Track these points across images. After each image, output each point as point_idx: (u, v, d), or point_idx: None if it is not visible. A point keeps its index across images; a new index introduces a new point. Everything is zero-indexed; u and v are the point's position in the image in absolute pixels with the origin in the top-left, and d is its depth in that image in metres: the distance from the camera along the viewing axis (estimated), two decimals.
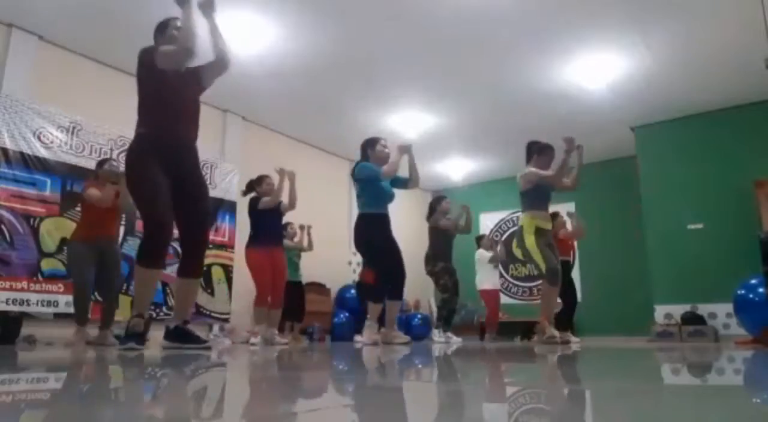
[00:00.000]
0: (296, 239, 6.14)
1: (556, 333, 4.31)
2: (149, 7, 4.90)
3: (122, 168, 3.47)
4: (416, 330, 7.98)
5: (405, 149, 4.22)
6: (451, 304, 5.99)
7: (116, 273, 4.27)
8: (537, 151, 4.55)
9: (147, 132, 2.86)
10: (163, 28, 3.02)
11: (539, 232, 4.34)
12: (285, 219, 5.41)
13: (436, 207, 6.07)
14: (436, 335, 5.87)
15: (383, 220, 4.16)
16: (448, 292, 5.86)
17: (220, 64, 3.08)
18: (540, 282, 4.56)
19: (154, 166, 2.78)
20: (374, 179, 4.13)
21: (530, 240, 4.31)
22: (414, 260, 5.86)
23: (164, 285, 6.12)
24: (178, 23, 2.92)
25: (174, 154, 2.87)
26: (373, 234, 4.12)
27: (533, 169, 4.46)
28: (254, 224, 5.04)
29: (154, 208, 2.76)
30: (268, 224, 4.96)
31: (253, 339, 4.86)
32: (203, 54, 2.98)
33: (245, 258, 5.04)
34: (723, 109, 7.01)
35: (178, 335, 2.92)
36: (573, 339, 5.15)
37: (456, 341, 5.74)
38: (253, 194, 5.12)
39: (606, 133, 7.84)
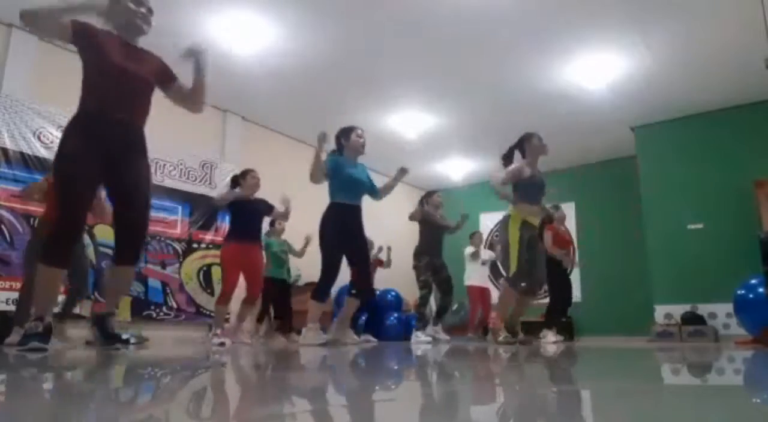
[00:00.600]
0: (296, 246, 6.10)
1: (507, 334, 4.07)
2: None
3: None
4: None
5: (404, 172, 4.19)
6: (445, 302, 5.84)
7: (79, 264, 4.06)
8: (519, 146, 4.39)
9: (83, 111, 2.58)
10: None
11: (526, 226, 4.03)
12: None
13: (426, 201, 5.93)
14: (420, 336, 5.56)
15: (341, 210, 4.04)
16: (426, 288, 5.68)
17: (192, 103, 2.94)
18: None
19: (83, 151, 2.49)
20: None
21: (514, 232, 4.01)
22: (411, 259, 5.85)
23: (164, 285, 6.13)
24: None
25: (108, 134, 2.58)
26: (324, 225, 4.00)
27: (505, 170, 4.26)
28: (231, 219, 4.88)
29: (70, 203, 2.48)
30: (245, 220, 4.79)
31: (216, 340, 4.65)
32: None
33: (221, 257, 4.83)
34: (723, 109, 7.01)
35: (101, 329, 2.76)
36: (551, 338, 5.05)
37: (445, 339, 5.60)
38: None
39: (606, 133, 7.84)
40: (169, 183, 6.38)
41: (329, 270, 3.92)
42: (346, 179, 4.04)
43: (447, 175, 9.74)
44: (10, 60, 5.20)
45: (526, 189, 4.14)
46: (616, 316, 8.17)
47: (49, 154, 5.30)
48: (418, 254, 5.76)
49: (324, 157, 4.02)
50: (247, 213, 4.80)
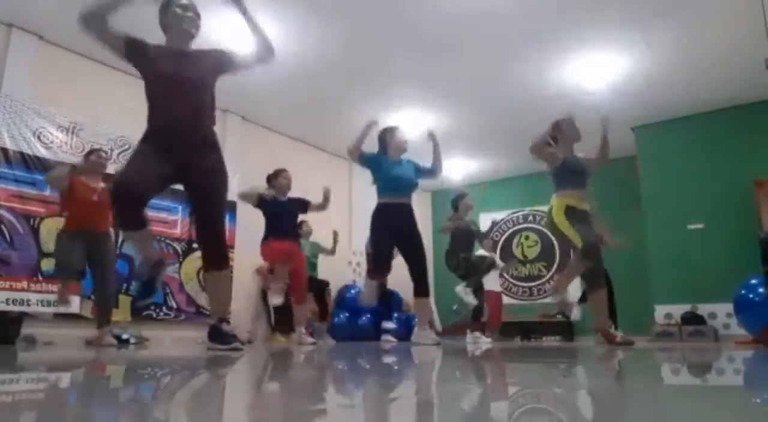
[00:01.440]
0: (324, 243, 6.16)
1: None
2: (150, 6, 4.90)
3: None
4: None
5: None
6: (478, 306, 5.93)
7: (106, 271, 4.15)
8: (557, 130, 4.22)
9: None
10: (165, 8, 2.85)
11: (570, 210, 3.88)
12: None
13: (458, 203, 5.90)
14: (478, 335, 5.67)
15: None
16: (471, 277, 5.81)
17: (260, 57, 3.00)
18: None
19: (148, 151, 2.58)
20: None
21: (559, 217, 3.86)
22: None
23: (164, 284, 6.13)
24: (183, 1, 2.80)
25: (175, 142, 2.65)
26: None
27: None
28: (266, 220, 4.86)
29: (125, 173, 2.54)
30: (279, 220, 4.80)
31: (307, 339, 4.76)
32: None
33: (262, 256, 4.89)
34: (723, 109, 7.01)
35: (215, 334, 2.79)
36: (619, 332, 4.75)
37: (485, 341, 5.59)
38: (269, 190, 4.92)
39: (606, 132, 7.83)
40: None
41: (378, 259, 4.14)
42: (390, 178, 4.12)
43: (447, 174, 9.73)
44: (10, 60, 5.19)
45: (567, 175, 4.01)
46: (616, 316, 8.16)
47: (49, 154, 5.30)
48: (452, 255, 5.81)
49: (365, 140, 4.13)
50: (279, 214, 4.81)
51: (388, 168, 4.14)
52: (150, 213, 5.88)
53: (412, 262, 4.13)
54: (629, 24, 5.33)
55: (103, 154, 4.37)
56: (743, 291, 5.37)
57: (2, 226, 4.86)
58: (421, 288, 4.09)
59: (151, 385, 1.23)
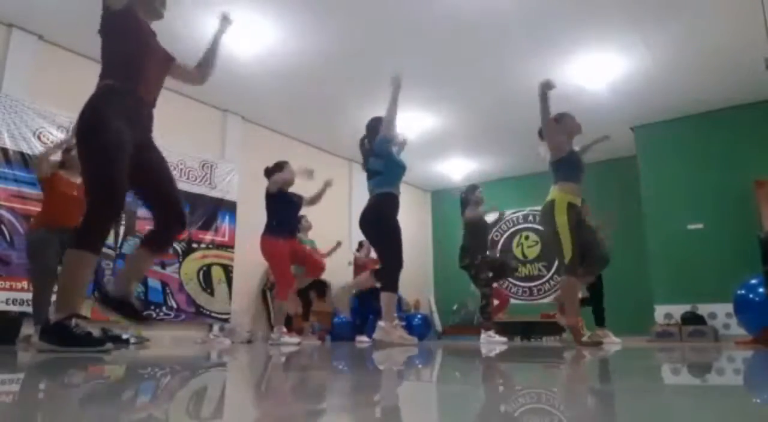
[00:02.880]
0: (322, 249, 6.16)
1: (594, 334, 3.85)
2: None
3: None
4: (416, 330, 7.97)
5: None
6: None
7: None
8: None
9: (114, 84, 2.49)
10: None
11: (571, 208, 3.70)
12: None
13: (470, 197, 5.75)
14: (492, 336, 5.35)
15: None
16: (488, 287, 5.51)
17: (198, 76, 2.90)
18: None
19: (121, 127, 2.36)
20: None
21: (562, 219, 3.64)
22: (414, 259, 5.86)
23: (164, 285, 6.13)
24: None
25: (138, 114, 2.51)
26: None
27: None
28: (272, 213, 4.82)
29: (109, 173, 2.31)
30: (289, 213, 4.80)
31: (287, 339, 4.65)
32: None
33: (261, 248, 4.80)
34: (723, 109, 7.01)
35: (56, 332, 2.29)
36: (615, 339, 4.77)
37: (500, 340, 5.31)
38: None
39: (606, 132, 7.83)
40: None
41: (399, 261, 3.81)
42: (401, 171, 4.01)
43: (447, 175, 9.74)
44: (10, 60, 5.20)
45: (569, 167, 3.83)
46: (616, 316, 8.16)
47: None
48: (471, 252, 5.56)
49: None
50: (288, 206, 4.80)
51: (399, 160, 4.00)
52: (149, 213, 5.98)
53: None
54: (629, 24, 5.33)
55: None
56: (743, 291, 5.36)
57: (2, 226, 4.86)
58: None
59: (151, 385, 1.23)
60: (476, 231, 5.65)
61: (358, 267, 6.72)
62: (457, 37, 5.55)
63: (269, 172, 4.92)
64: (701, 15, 5.19)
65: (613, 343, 4.47)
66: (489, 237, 5.87)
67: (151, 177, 2.52)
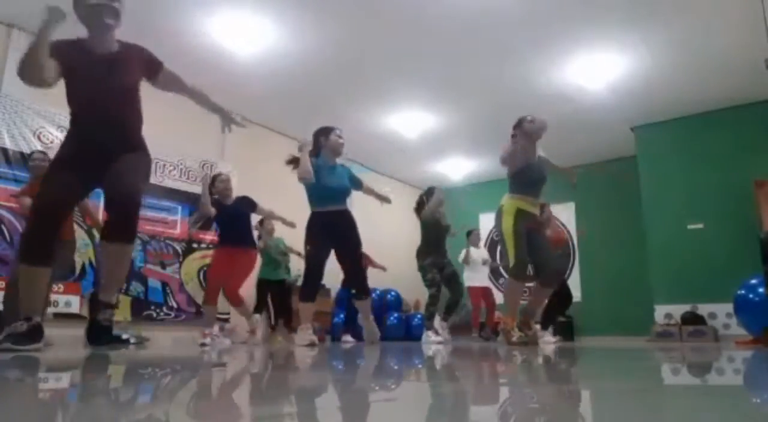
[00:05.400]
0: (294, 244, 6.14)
1: (521, 333, 3.83)
2: (151, 6, 4.91)
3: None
4: (416, 330, 7.97)
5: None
6: (453, 300, 5.80)
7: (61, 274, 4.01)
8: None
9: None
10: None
11: (521, 215, 3.80)
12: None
13: (428, 199, 5.80)
14: (431, 336, 5.54)
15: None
16: (434, 287, 5.63)
17: (198, 98, 3.03)
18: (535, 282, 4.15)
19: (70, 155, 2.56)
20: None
21: (507, 223, 3.78)
22: (414, 259, 5.85)
23: (164, 285, 6.13)
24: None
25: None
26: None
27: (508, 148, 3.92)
28: (218, 225, 4.93)
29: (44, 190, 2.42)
30: (227, 225, 4.81)
31: (203, 340, 4.61)
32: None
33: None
34: (723, 109, 7.01)
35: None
36: (550, 338, 4.89)
37: (446, 339, 5.53)
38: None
39: (606, 132, 7.85)
40: (168, 183, 6.38)
41: (311, 274, 3.93)
42: (322, 188, 4.01)
43: (447, 175, 9.74)
44: (10, 60, 5.19)
45: (524, 182, 3.89)
46: (616, 316, 8.17)
47: (49, 154, 5.30)
48: (422, 254, 5.71)
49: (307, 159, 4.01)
50: (226, 218, 4.77)
51: (322, 178, 4.00)
52: (150, 213, 5.99)
53: (350, 267, 4.07)
54: (629, 24, 5.33)
55: (41, 155, 4.26)
56: (743, 291, 5.36)
57: (2, 226, 4.86)
58: (361, 291, 4.08)
59: (151, 385, 1.23)
60: (427, 232, 5.75)
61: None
62: (456, 36, 5.54)
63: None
64: (701, 15, 5.19)
65: (548, 343, 4.55)
66: (444, 239, 5.84)
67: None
